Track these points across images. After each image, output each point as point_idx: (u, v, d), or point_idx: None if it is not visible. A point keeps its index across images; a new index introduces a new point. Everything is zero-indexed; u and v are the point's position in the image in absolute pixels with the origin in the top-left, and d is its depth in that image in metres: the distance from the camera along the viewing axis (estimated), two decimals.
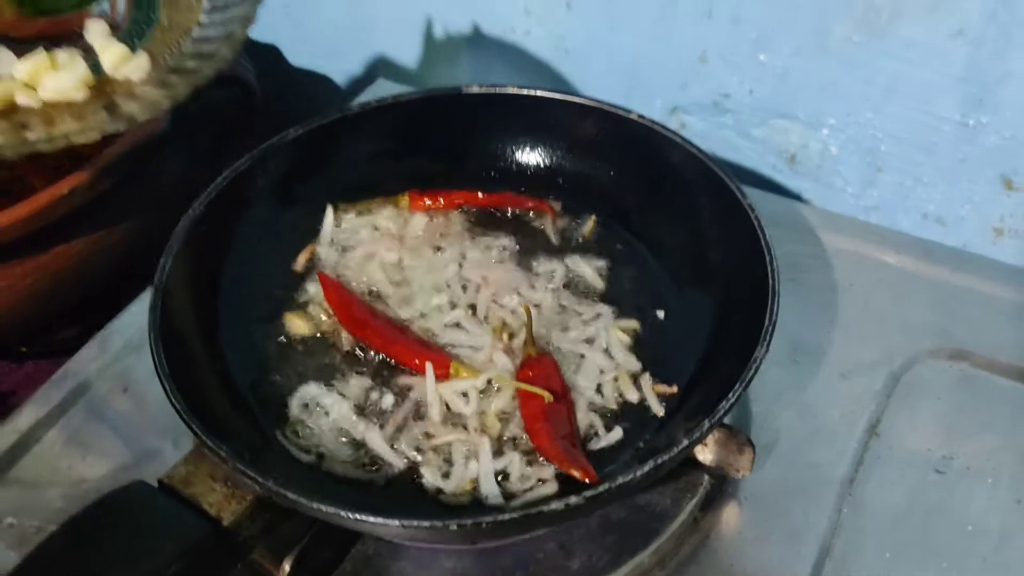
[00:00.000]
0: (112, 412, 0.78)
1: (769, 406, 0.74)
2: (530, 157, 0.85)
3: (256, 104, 1.06)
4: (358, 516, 0.54)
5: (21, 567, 0.52)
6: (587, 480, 0.60)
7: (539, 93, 0.82)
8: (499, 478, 0.64)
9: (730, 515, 0.69)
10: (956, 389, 0.77)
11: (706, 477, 0.69)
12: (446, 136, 0.84)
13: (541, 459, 0.65)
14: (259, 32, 1.24)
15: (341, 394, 0.70)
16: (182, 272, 0.69)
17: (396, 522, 0.54)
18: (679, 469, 0.68)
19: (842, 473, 0.71)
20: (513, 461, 0.65)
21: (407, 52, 1.17)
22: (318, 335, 0.74)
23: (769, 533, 0.68)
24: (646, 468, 0.55)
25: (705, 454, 0.67)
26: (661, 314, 0.75)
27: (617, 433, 0.67)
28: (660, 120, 0.79)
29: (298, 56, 1.26)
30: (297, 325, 0.75)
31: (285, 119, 1.06)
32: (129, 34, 0.83)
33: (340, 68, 1.25)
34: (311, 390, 0.70)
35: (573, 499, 0.54)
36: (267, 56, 1.25)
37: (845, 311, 0.82)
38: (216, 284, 0.74)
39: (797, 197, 1.03)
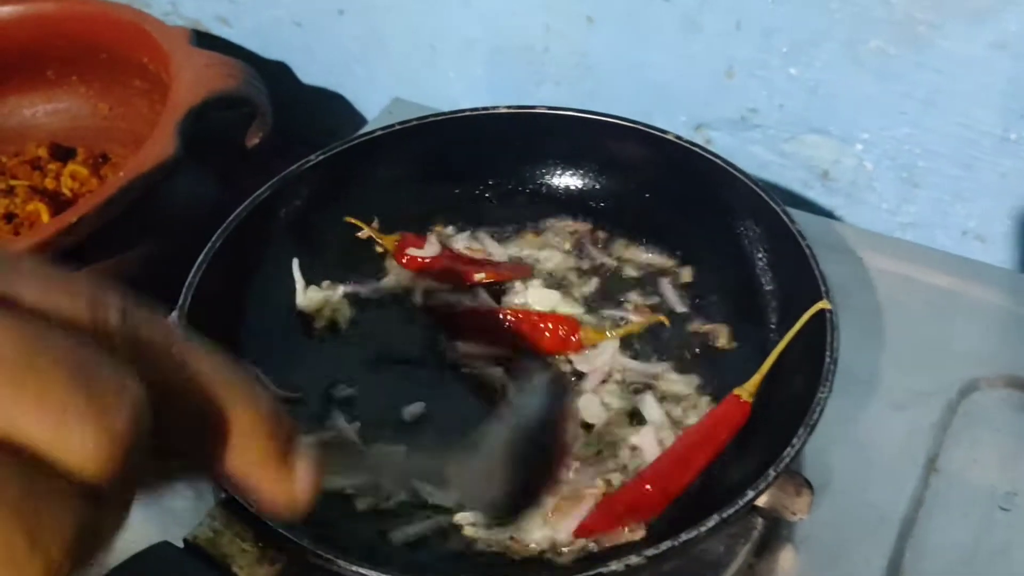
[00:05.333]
0: None
1: (821, 441, 0.70)
2: (561, 179, 0.82)
3: (268, 125, 1.03)
4: None
5: None
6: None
7: (570, 113, 0.79)
8: None
9: (786, 561, 0.65)
10: (1016, 418, 0.73)
11: (760, 520, 0.65)
12: (473, 159, 0.80)
13: None
14: (268, 49, 1.21)
15: None
16: (202, 312, 0.65)
17: None
18: None
19: (902, 513, 0.67)
20: None
21: (422, 70, 1.13)
22: None
23: None
24: (710, 524, 0.51)
25: (760, 498, 0.64)
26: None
27: None
28: (686, 136, 0.76)
29: (309, 74, 1.22)
30: None
31: (295, 138, 1.02)
32: None
33: (353, 86, 1.21)
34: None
35: (633, 559, 0.50)
36: (276, 74, 1.21)
37: (894, 336, 0.78)
38: (237, 323, 0.70)
39: (829, 214, 1.00)
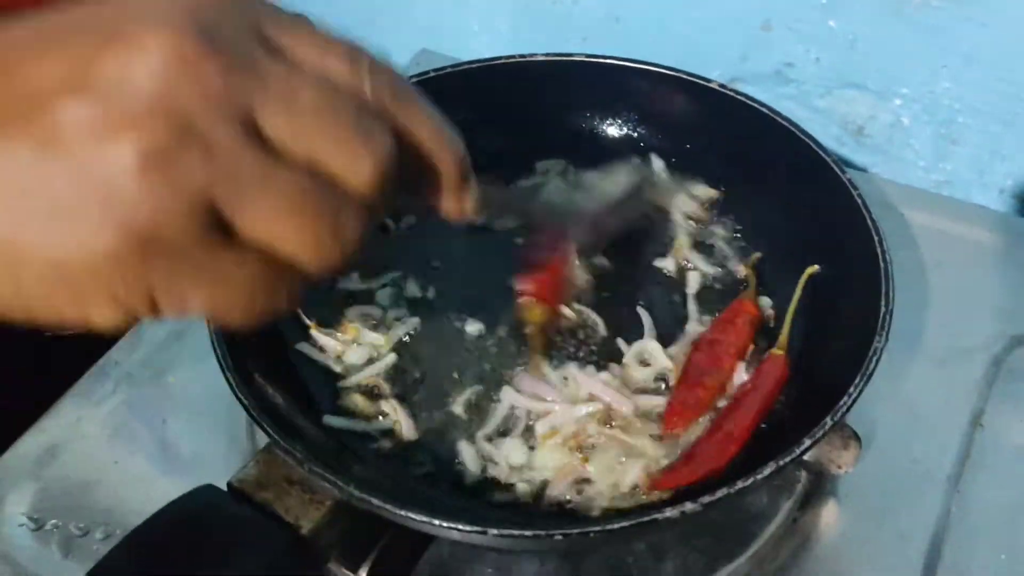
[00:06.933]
0: (157, 402, 0.73)
1: (865, 397, 0.68)
2: (599, 129, 0.80)
3: None
4: (450, 525, 0.49)
5: None
6: None
7: (609, 61, 0.77)
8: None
9: (830, 515, 0.64)
10: None
11: (804, 474, 0.64)
12: (508, 109, 0.78)
13: None
14: (285, 1, 1.19)
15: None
16: None
17: (494, 531, 0.49)
18: None
19: (947, 468, 0.66)
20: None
21: (447, 23, 1.11)
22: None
23: (874, 535, 0.63)
24: (766, 472, 0.50)
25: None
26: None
27: None
28: None
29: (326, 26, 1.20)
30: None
31: None
32: None
33: (375, 39, 1.18)
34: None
35: (688, 506, 0.49)
36: None
37: (937, 293, 0.77)
38: None
39: (862, 171, 0.98)
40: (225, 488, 0.53)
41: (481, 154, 0.76)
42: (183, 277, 0.33)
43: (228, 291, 0.35)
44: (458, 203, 0.44)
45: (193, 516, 0.50)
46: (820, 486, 0.65)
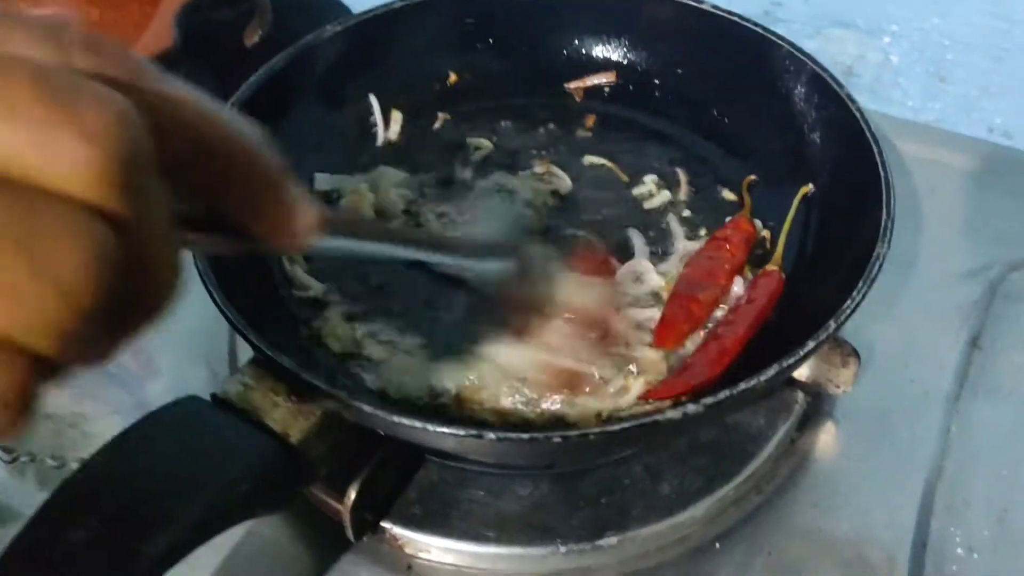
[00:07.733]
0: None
1: (860, 319, 0.67)
2: (592, 51, 0.78)
3: (268, 23, 0.98)
4: (446, 430, 0.47)
5: (60, 493, 0.45)
6: None
7: None
8: None
9: (828, 435, 0.63)
10: None
11: (801, 395, 0.63)
12: (498, 31, 0.77)
13: None
14: None
15: None
16: None
17: (491, 435, 0.47)
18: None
19: (946, 389, 0.65)
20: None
21: None
22: None
23: (873, 454, 0.62)
24: (770, 373, 0.49)
25: (802, 369, 0.61)
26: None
27: None
28: None
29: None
30: None
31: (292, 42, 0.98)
32: None
33: None
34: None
35: (691, 407, 0.48)
36: None
37: (931, 219, 0.76)
38: None
39: None
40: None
41: (473, 79, 0.77)
42: None
43: None
44: (286, 220, 0.31)
45: (177, 424, 0.48)
46: (818, 407, 0.64)
